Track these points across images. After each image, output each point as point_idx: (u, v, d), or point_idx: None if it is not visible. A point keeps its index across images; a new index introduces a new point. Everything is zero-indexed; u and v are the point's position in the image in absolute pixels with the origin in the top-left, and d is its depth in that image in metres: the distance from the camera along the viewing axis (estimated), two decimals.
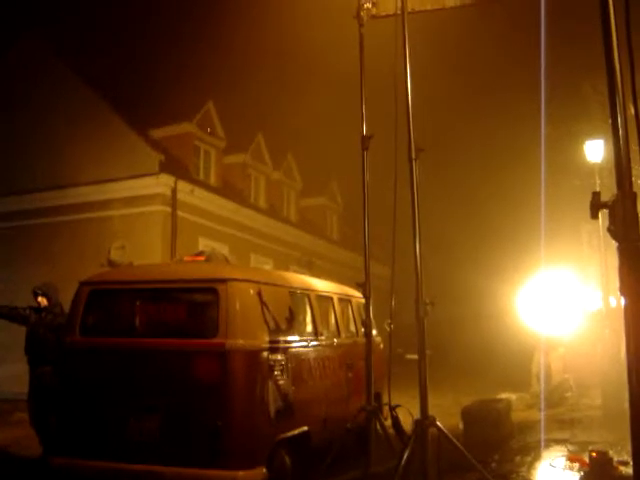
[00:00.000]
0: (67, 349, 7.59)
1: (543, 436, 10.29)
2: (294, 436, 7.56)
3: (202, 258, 8.34)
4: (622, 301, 3.16)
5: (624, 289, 3.20)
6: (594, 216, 3.46)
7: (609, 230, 3.29)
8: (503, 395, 12.01)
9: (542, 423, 10.54)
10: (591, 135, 15.93)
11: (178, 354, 6.99)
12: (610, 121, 3.47)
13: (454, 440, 5.92)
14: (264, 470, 6.80)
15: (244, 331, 6.97)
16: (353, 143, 8.51)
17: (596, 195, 3.41)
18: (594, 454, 6.96)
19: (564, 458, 8.82)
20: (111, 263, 8.79)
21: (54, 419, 7.80)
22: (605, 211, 3.41)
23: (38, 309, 9.12)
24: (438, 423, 5.92)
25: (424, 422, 6.06)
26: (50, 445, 8.00)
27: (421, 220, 6.81)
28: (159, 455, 6.80)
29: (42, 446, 8.65)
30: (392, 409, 8.28)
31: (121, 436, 7.00)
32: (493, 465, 8.51)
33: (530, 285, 15.14)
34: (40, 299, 9.11)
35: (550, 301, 14.60)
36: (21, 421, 9.54)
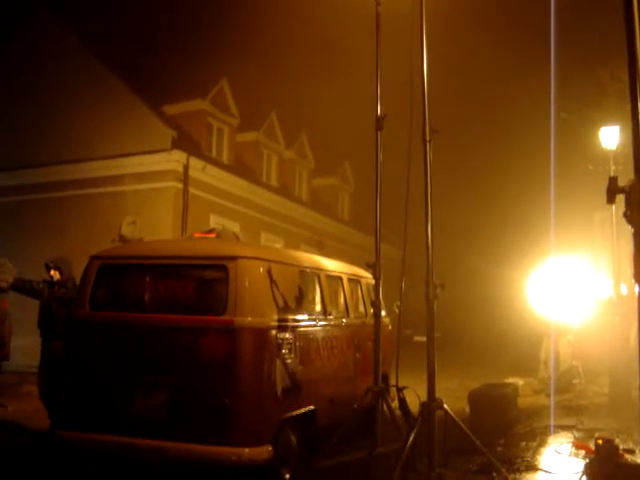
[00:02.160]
0: (76, 323, 7.61)
1: (549, 422, 10.28)
2: (300, 415, 7.57)
3: (213, 235, 8.33)
4: (636, 288, 3.12)
5: (638, 275, 3.16)
6: (610, 201, 3.42)
7: (625, 216, 3.25)
8: (510, 380, 12.01)
9: (551, 409, 10.52)
10: (606, 122, 15.80)
11: (186, 330, 6.99)
12: (630, 107, 3.42)
13: (460, 423, 5.91)
14: (270, 448, 6.81)
15: (253, 309, 6.96)
16: (366, 123, 8.47)
17: (613, 180, 3.37)
18: (600, 441, 6.93)
19: (570, 445, 8.82)
20: (122, 238, 8.79)
21: (63, 393, 7.83)
22: (620, 197, 3.37)
23: (51, 283, 9.13)
24: (445, 406, 5.90)
25: (431, 404, 6.06)
26: (58, 418, 8.04)
27: (433, 203, 6.78)
28: (165, 430, 6.83)
29: (50, 419, 8.69)
30: (399, 390, 8.29)
31: (128, 411, 7.03)
32: (499, 449, 8.51)
33: (540, 271, 15.10)
34: (52, 272, 9.11)
35: (560, 288, 14.55)
36: (30, 394, 9.59)
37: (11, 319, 8.41)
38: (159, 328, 7.12)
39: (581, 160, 18.95)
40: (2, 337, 8.21)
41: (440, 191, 7.27)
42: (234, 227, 21.03)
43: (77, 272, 8.28)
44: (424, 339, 6.56)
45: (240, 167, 23.31)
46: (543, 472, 7.74)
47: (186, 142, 20.33)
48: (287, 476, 7.33)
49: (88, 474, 7.61)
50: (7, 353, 8.37)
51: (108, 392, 7.17)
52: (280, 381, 7.12)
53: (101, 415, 7.16)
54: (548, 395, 12.51)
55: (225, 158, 22.64)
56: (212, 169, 20.93)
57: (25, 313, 9.05)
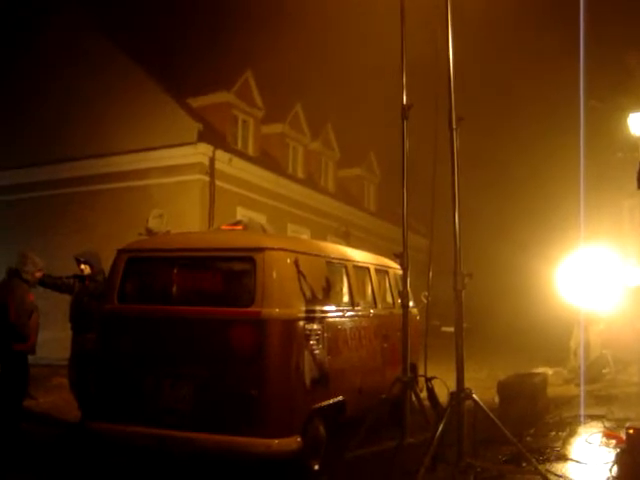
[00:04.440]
0: (105, 316, 7.66)
1: (579, 412, 10.21)
2: (329, 406, 7.58)
3: (240, 227, 8.34)
4: None
5: None
6: None
7: None
8: (540, 370, 11.94)
9: (581, 398, 10.45)
10: (634, 107, 15.60)
11: (214, 322, 7.02)
12: None
13: (490, 413, 5.88)
14: (298, 439, 6.83)
15: (280, 300, 6.97)
16: (392, 113, 8.42)
17: None
18: (631, 431, 6.86)
19: (600, 434, 8.75)
20: (149, 231, 8.84)
21: (93, 385, 7.90)
22: None
23: (81, 277, 9.19)
24: (474, 396, 5.87)
25: (460, 394, 6.03)
26: (88, 410, 8.12)
27: (460, 192, 6.74)
28: (193, 422, 6.87)
29: (81, 411, 8.77)
30: (428, 380, 8.27)
31: (156, 402, 7.08)
32: (528, 439, 8.46)
33: (569, 260, 14.98)
34: (83, 266, 9.17)
35: (589, 276, 14.43)
36: (60, 386, 9.68)
37: (39, 313, 8.48)
38: (187, 320, 7.15)
39: (610, 147, 18.76)
40: (27, 330, 8.28)
41: (467, 180, 7.24)
42: (261, 219, 21.06)
43: (105, 266, 8.33)
44: (452, 329, 6.54)
45: (266, 159, 23.33)
46: (573, 462, 7.68)
47: (212, 135, 20.37)
48: (316, 467, 7.34)
49: (118, 465, 7.67)
50: (31, 346, 8.42)
51: (137, 384, 7.23)
52: (308, 372, 7.13)
53: (130, 406, 7.22)
54: (578, 385, 12.43)
55: (251, 150, 22.66)
56: (238, 161, 20.97)
57: (54, 307, 9.13)
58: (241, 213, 20.24)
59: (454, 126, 6.79)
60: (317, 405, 7.33)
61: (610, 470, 6.61)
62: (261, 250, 7.07)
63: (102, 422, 7.32)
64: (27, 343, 8.29)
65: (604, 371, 13.59)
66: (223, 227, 8.58)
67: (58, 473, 7.44)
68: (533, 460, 6.31)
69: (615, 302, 14.72)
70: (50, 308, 8.77)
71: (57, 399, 9.82)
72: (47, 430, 8.98)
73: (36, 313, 8.40)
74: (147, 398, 7.14)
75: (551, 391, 10.70)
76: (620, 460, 6.56)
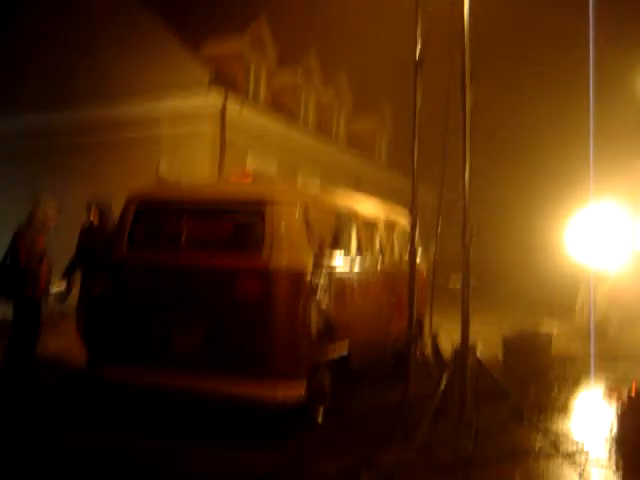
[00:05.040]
0: (114, 263, 7.72)
1: (583, 370, 10.28)
2: (335, 357, 7.65)
3: (249, 179, 8.33)
4: None
5: None
6: None
7: None
8: (545, 327, 11.95)
9: (591, 355, 10.50)
10: None
11: (223, 272, 7.07)
12: None
13: (492, 373, 5.94)
14: (303, 389, 6.92)
15: (288, 252, 7.00)
16: (406, 64, 8.33)
17: None
18: (634, 389, 6.93)
19: (603, 393, 8.82)
20: (159, 179, 8.83)
21: (102, 329, 7.99)
22: None
23: (89, 229, 9.19)
24: (478, 355, 5.91)
25: (464, 353, 6.07)
26: (97, 355, 8.22)
27: (471, 149, 6.71)
28: (201, 367, 6.96)
29: (89, 355, 8.86)
30: (433, 336, 8.34)
31: (164, 348, 7.17)
32: (531, 395, 8.53)
33: (578, 218, 14.94)
34: (93, 212, 9.17)
35: (598, 235, 14.41)
36: (67, 332, 9.75)
37: (50, 259, 8.51)
38: (195, 269, 7.20)
39: (624, 105, 18.57)
40: (38, 275, 8.31)
41: (478, 138, 7.18)
42: (271, 167, 21.02)
43: (115, 215, 8.35)
44: (459, 286, 6.57)
45: (277, 108, 23.17)
46: (574, 418, 7.77)
47: (223, 83, 20.21)
48: (320, 416, 7.44)
49: (126, 408, 7.78)
50: (42, 292, 8.44)
51: (145, 329, 7.32)
52: (315, 323, 7.18)
53: (138, 351, 7.32)
54: (582, 342, 12.49)
55: (262, 99, 22.50)
56: (249, 110, 20.83)
57: (62, 254, 9.15)
58: (251, 162, 20.18)
59: (467, 81, 6.73)
60: (323, 356, 7.40)
61: (611, 429, 6.68)
62: (270, 203, 7.08)
63: (110, 366, 7.44)
64: (37, 289, 8.33)
65: (610, 330, 13.64)
66: (233, 179, 8.57)
67: (69, 417, 7.54)
68: (534, 416, 6.36)
69: (622, 262, 14.71)
70: (58, 255, 8.78)
71: (64, 345, 9.91)
72: (57, 376, 9.09)
73: (47, 259, 8.43)
74: (155, 343, 7.24)
75: (556, 348, 10.75)
76: (621, 419, 6.62)
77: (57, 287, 8.98)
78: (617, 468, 6.13)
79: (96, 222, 9.22)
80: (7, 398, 7.81)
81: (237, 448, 6.60)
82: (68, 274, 9.14)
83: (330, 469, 6.06)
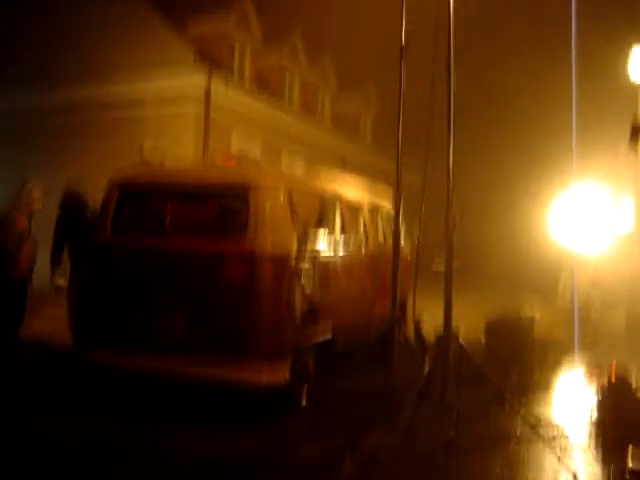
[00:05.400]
0: (98, 247, 7.70)
1: (565, 353, 10.37)
2: (318, 340, 7.68)
3: (233, 162, 8.32)
4: None
5: None
6: (633, 143, 3.38)
7: None
8: (528, 311, 12.04)
9: (575, 338, 10.58)
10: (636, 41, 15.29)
11: (207, 257, 7.07)
12: None
13: (474, 359, 5.99)
14: (287, 372, 6.96)
15: (273, 237, 7.01)
16: (391, 45, 8.30)
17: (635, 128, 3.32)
18: (614, 374, 7.02)
19: (584, 376, 8.91)
20: (143, 160, 8.74)
21: (86, 313, 7.98)
22: None
23: (71, 209, 9.12)
24: (460, 342, 5.95)
25: (446, 337, 6.10)
26: (83, 337, 8.23)
27: (454, 132, 6.71)
28: (187, 350, 6.97)
29: (75, 339, 8.83)
30: (416, 321, 8.38)
31: (149, 332, 7.17)
32: (513, 378, 8.60)
33: (562, 201, 15.00)
34: (61, 203, 9.10)
35: (582, 218, 14.48)
36: (52, 315, 9.72)
37: (34, 240, 8.44)
38: (179, 254, 7.20)
39: (608, 88, 18.57)
40: (17, 258, 8.22)
41: (462, 119, 7.19)
42: (255, 149, 20.96)
43: (99, 197, 8.30)
44: (442, 269, 6.59)
45: (262, 89, 23.07)
46: (555, 402, 7.85)
47: (208, 64, 20.09)
48: (303, 400, 7.48)
49: (112, 391, 7.79)
50: (23, 274, 8.34)
51: (130, 313, 7.32)
52: (298, 307, 7.21)
53: (123, 334, 7.32)
54: (564, 326, 12.58)
55: (247, 78, 22.39)
56: (234, 89, 20.73)
57: (47, 235, 9.08)
58: (236, 142, 20.11)
59: (452, 62, 6.73)
60: (306, 339, 7.44)
61: (591, 413, 6.76)
62: (254, 187, 7.08)
63: (96, 349, 7.44)
64: (17, 270, 8.25)
65: (592, 315, 13.74)
66: (217, 162, 8.55)
67: (54, 400, 7.54)
68: (515, 401, 6.42)
69: (605, 246, 14.80)
70: (42, 236, 8.73)
71: (50, 327, 9.88)
72: (40, 358, 9.07)
73: (31, 240, 8.37)
74: (140, 327, 7.24)
75: (538, 332, 10.83)
76: (601, 404, 6.70)
77: (58, 281, 8.93)
78: (597, 452, 6.21)
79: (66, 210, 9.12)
80: None
81: (221, 431, 6.63)
82: (53, 263, 9.07)
83: (314, 452, 6.10)
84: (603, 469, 5.90)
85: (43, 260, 8.88)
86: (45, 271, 8.83)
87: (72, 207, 9.09)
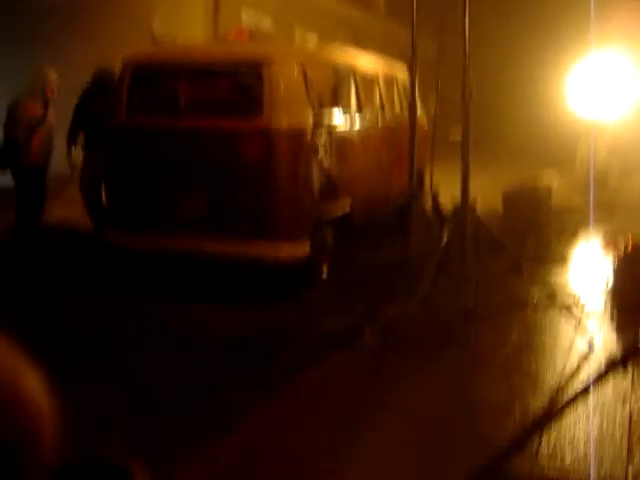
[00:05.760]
0: (114, 130, 7.68)
1: (582, 222, 10.37)
2: (337, 214, 7.74)
3: (245, 35, 8.16)
4: None
5: None
6: None
7: None
8: (545, 179, 12.00)
9: (590, 210, 10.55)
10: None
11: (223, 135, 7.06)
12: None
13: (491, 230, 6.01)
14: (307, 245, 7.05)
15: (288, 111, 6.98)
16: None
17: None
18: (630, 241, 7.04)
19: (600, 244, 8.95)
20: (154, 39, 8.56)
21: (106, 197, 8.05)
22: None
23: (88, 94, 8.99)
24: (477, 213, 5.98)
25: (464, 208, 6.13)
26: (102, 221, 8.34)
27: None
28: (208, 229, 7.06)
29: (94, 223, 8.93)
30: (433, 192, 8.39)
31: (169, 212, 7.25)
32: (530, 248, 8.66)
33: (579, 69, 14.67)
34: (93, 77, 8.96)
35: (599, 85, 14.20)
36: (73, 199, 9.77)
37: (49, 127, 8.38)
38: (196, 132, 7.18)
39: None
40: (28, 144, 8.18)
41: None
42: (266, 22, 20.48)
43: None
44: (459, 138, 6.56)
45: None
46: (571, 270, 7.94)
47: None
48: (324, 272, 7.61)
49: (134, 273, 7.92)
50: (34, 160, 8.29)
51: (148, 195, 7.38)
52: (316, 181, 7.24)
53: (143, 217, 7.40)
54: (582, 194, 12.55)
55: None
56: None
57: (65, 121, 9.04)
58: (246, 16, 19.65)
59: None
60: (325, 213, 7.50)
61: (607, 280, 6.83)
62: (268, 62, 6.98)
63: (118, 233, 7.54)
64: (30, 156, 8.24)
65: (609, 182, 13.67)
66: (229, 36, 8.39)
67: (79, 282, 7.68)
68: (532, 271, 6.50)
69: (623, 112, 14.56)
70: (60, 122, 8.69)
71: (71, 213, 9.94)
72: (64, 242, 9.16)
73: (45, 127, 8.32)
74: (159, 208, 7.31)
75: (555, 200, 10.81)
76: (617, 270, 6.76)
77: (75, 159, 8.95)
78: (612, 320, 6.33)
79: (95, 88, 9.02)
80: (22, 269, 7.87)
81: (244, 308, 6.78)
82: (70, 141, 9.05)
83: (334, 325, 6.25)
84: (618, 336, 6.03)
85: (63, 146, 8.90)
86: (59, 155, 8.84)
87: (103, 83, 8.92)
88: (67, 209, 9.92)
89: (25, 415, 0.73)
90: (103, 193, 8.40)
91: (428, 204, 8.82)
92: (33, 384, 0.75)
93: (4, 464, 0.70)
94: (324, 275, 7.58)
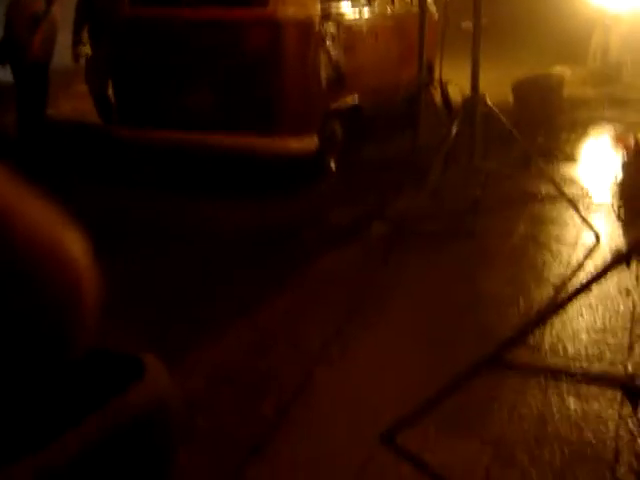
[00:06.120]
0: (117, 22, 7.54)
1: (594, 115, 10.26)
2: (345, 106, 7.66)
3: None
4: None
5: None
6: None
7: None
8: (557, 70, 11.75)
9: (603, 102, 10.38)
10: None
11: (229, 25, 6.93)
12: None
13: (502, 117, 5.94)
14: (315, 138, 7.01)
15: (295, 1, 6.82)
16: None
17: None
18: None
19: (611, 139, 8.85)
20: None
21: (112, 91, 7.96)
22: None
23: None
24: (487, 101, 5.89)
25: (474, 99, 6.04)
26: (109, 117, 8.29)
27: None
28: (214, 124, 7.01)
29: (101, 117, 8.87)
30: (442, 83, 8.28)
31: (175, 107, 7.17)
32: (539, 141, 8.59)
33: None
34: None
35: None
36: (80, 93, 9.65)
37: (54, 23, 8.18)
38: (200, 24, 7.04)
39: None
40: (28, 41, 8.00)
41: None
42: None
43: None
44: (471, 26, 6.39)
45: None
46: (580, 164, 7.91)
47: None
48: (332, 165, 7.59)
49: (142, 169, 7.87)
50: (36, 55, 8.13)
51: (155, 89, 7.29)
52: (324, 72, 7.15)
53: (150, 112, 7.33)
54: (595, 86, 12.33)
55: None
56: None
57: (69, 16, 8.82)
58: None
59: None
60: (333, 105, 7.43)
61: (615, 174, 6.80)
62: None
63: (125, 128, 7.49)
64: (31, 53, 8.07)
65: (623, 74, 13.37)
66: None
67: (85, 176, 7.65)
68: (540, 161, 6.46)
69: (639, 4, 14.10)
70: (67, 13, 8.49)
71: (78, 106, 9.82)
72: (71, 137, 9.06)
73: (47, 22, 8.12)
74: (167, 103, 7.23)
75: (567, 92, 10.63)
76: (626, 166, 6.71)
77: (80, 51, 8.81)
78: (619, 212, 6.34)
79: None
80: (28, 164, 7.82)
81: (252, 203, 6.79)
82: (76, 35, 8.88)
83: (343, 217, 6.29)
84: (625, 230, 6.05)
85: (68, 41, 8.76)
86: (65, 48, 8.69)
87: None
88: (75, 103, 9.82)
89: (69, 273, 0.75)
90: (109, 87, 8.32)
91: (437, 95, 8.71)
92: (77, 245, 0.78)
93: (49, 319, 0.73)
94: (333, 169, 7.56)
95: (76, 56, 8.84)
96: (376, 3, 8.54)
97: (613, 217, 6.28)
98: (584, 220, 5.85)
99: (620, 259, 3.00)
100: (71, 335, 0.77)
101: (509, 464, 3.19)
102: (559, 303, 3.70)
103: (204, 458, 3.13)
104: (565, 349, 4.12)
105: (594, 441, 3.33)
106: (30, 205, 0.75)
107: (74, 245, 0.77)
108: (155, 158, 7.88)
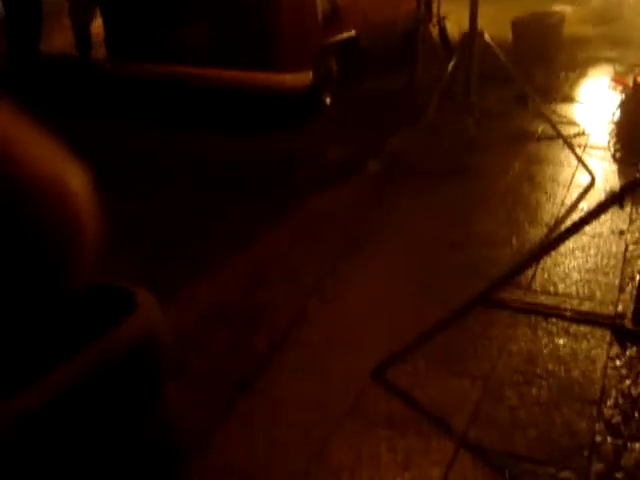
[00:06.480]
0: None
1: (593, 55, 10.14)
2: (341, 40, 7.56)
3: None
4: None
5: None
6: None
7: None
8: (558, 8, 11.57)
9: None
10: None
11: None
12: None
13: (500, 54, 5.86)
14: (311, 73, 6.94)
15: None
16: None
17: None
18: (639, 76, 6.88)
19: (609, 79, 8.76)
20: None
21: (103, 24, 7.83)
22: None
23: None
24: (486, 37, 5.82)
25: (472, 34, 5.96)
26: (87, 50, 8.16)
27: None
28: (209, 59, 6.92)
29: (79, 51, 8.75)
30: (440, 19, 8.17)
31: (170, 41, 7.06)
32: (537, 80, 8.49)
33: None
34: None
35: None
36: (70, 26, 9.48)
37: None
38: None
39: None
40: None
41: None
42: None
43: None
44: None
45: None
46: (578, 104, 7.85)
47: None
48: (327, 100, 7.52)
49: (137, 103, 7.76)
50: None
51: (147, 22, 7.17)
52: (320, 6, 7.03)
53: (142, 45, 7.23)
54: (595, 25, 12.17)
55: None
56: None
57: None
58: None
59: None
60: (329, 39, 7.32)
61: (612, 114, 6.75)
62: None
63: (117, 61, 7.39)
64: None
65: (623, 14, 13.18)
66: None
67: (81, 110, 7.55)
68: (537, 100, 6.40)
69: None
70: None
71: (68, 38, 9.64)
72: (62, 72, 8.89)
73: None
74: (160, 36, 7.12)
75: (567, 31, 10.48)
76: (624, 106, 6.66)
77: None
78: (615, 151, 6.32)
79: None
80: (20, 98, 7.69)
81: (248, 138, 6.75)
82: None
83: (339, 153, 6.26)
84: (620, 170, 6.04)
85: None
86: None
87: None
88: (67, 37, 9.64)
89: (69, 205, 0.76)
90: (92, 21, 8.21)
91: (435, 31, 8.59)
92: (78, 179, 0.79)
93: (50, 251, 0.74)
94: (328, 104, 7.49)
95: None
96: None
97: (609, 158, 6.26)
98: (580, 160, 5.83)
99: (613, 200, 3.01)
100: (70, 264, 0.77)
101: (498, 400, 3.24)
102: (551, 242, 3.72)
103: (196, 393, 3.17)
104: (556, 288, 4.16)
105: (582, 379, 3.38)
106: (32, 138, 0.76)
107: (74, 178, 0.78)
108: (147, 92, 7.77)
